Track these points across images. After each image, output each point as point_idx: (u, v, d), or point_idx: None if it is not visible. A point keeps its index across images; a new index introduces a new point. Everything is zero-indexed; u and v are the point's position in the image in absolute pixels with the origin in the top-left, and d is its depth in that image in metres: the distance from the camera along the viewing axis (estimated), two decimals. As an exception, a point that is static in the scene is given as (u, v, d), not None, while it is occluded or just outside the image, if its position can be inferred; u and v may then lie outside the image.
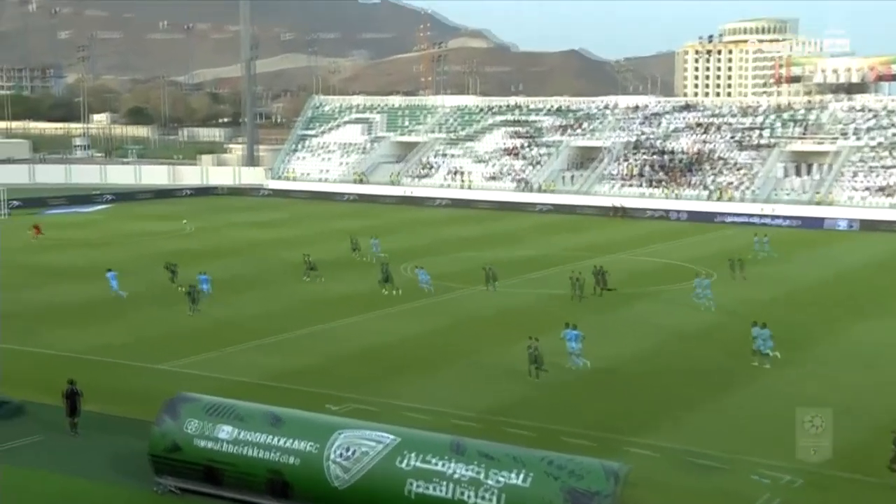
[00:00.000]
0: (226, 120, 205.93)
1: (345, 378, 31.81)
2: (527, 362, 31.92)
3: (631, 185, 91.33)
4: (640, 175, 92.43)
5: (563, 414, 28.16)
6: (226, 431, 21.52)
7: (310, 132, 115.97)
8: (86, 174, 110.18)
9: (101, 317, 41.23)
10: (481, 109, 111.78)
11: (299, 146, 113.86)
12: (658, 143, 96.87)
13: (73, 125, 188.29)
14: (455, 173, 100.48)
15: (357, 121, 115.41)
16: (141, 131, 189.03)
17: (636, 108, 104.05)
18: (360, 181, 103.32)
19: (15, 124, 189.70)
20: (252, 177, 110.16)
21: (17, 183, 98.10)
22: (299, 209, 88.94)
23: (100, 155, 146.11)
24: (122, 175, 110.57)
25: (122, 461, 23.93)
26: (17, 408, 27.39)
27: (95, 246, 62.77)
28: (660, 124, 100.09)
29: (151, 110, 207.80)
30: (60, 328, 38.91)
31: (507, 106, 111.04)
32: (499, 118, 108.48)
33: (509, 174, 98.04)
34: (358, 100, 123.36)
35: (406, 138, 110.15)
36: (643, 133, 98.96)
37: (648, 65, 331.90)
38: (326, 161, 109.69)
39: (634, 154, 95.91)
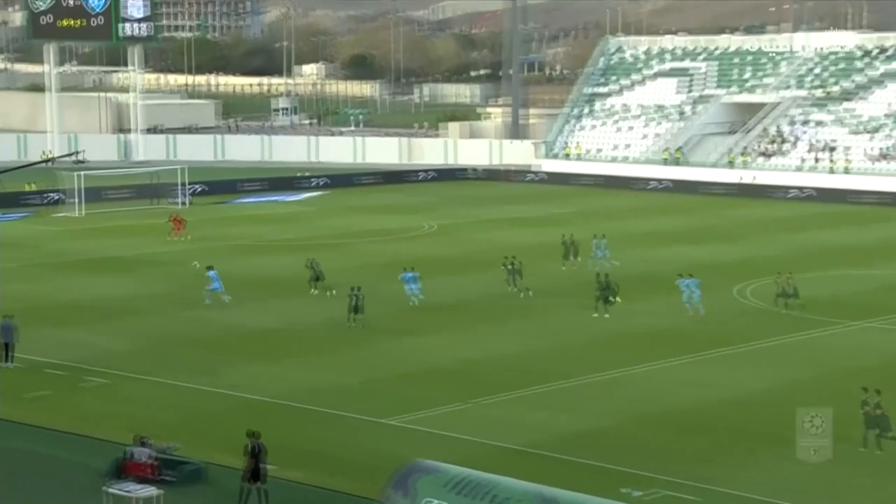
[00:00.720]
0: (481, 73, 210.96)
1: (647, 449, 31.75)
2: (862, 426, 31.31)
3: None
4: None
5: None
6: (477, 518, 21.95)
7: (602, 90, 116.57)
8: (290, 148, 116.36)
9: (306, 347, 43.42)
10: (866, 52, 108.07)
11: (586, 110, 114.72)
12: None
13: (273, 80, 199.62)
14: (822, 150, 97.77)
15: (672, 72, 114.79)
16: (364, 89, 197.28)
17: None
18: (676, 161, 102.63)
19: (198, 79, 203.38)
20: (518, 154, 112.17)
21: (201, 160, 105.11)
22: (584, 201, 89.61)
23: (309, 122, 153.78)
24: (338, 150, 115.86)
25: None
26: (198, 471, 29.26)
27: (300, 249, 66.02)
28: None
29: (379, 59, 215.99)
30: (253, 362, 41.27)
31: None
32: None
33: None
34: (675, 41, 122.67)
35: (746, 98, 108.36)
36: None
37: None
38: (625, 132, 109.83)
39: None
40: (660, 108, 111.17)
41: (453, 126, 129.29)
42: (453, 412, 35.26)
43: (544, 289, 53.57)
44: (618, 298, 48.57)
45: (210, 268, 51.52)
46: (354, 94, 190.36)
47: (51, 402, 36.18)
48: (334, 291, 50.20)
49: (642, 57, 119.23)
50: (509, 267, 53.16)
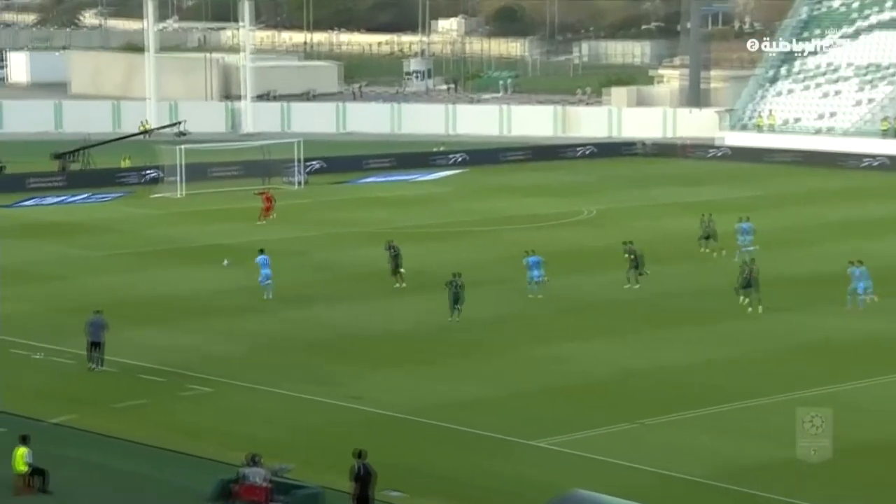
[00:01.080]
0: (654, 27, 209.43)
1: (852, 484, 31.40)
2: None
3: None
4: None
5: None
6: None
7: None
8: (424, 119, 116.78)
9: (436, 352, 43.73)
10: None
11: (783, 72, 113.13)
12: None
13: (405, 38, 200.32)
14: None
15: (893, 24, 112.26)
16: (512, 47, 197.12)
17: None
18: None
19: (318, 37, 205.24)
20: (697, 125, 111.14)
21: (319, 132, 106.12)
22: (778, 183, 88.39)
23: (446, 87, 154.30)
24: (480, 121, 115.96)
25: None
26: (314, 496, 29.49)
27: (432, 237, 66.46)
28: None
29: (530, 12, 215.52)
30: (376, 370, 41.64)
31: None
32: None
33: None
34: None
35: None
36: None
37: None
38: (831, 98, 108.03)
39: None
40: (877, 67, 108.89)
41: (618, 92, 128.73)
42: (614, 434, 35.19)
43: (715, 286, 52.96)
44: (754, 305, 48.91)
45: (261, 251, 52.13)
46: (500, 54, 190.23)
47: (146, 413, 36.85)
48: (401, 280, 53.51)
49: (855, 5, 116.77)
50: (630, 256, 53.36)
